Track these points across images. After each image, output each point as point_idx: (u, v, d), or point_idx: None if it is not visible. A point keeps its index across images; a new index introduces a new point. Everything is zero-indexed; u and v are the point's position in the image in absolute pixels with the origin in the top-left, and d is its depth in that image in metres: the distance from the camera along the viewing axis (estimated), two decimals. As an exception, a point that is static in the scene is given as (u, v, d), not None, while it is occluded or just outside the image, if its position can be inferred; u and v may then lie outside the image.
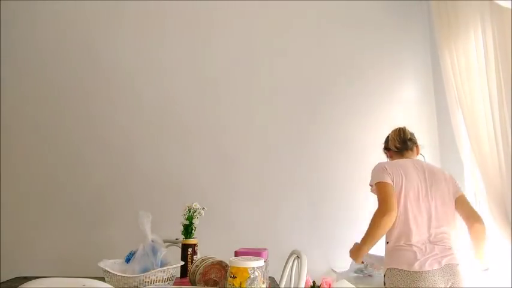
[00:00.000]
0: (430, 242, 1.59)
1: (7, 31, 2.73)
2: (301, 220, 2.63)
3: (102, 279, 1.35)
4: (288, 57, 2.80)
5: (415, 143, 1.88)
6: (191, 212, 1.75)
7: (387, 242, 1.69)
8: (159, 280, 1.37)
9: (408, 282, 1.52)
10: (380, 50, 2.82)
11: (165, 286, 1.36)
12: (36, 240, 2.54)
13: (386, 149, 1.96)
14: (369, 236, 1.65)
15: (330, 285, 2.40)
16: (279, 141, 2.71)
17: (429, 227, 1.62)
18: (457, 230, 1.68)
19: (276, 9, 2.83)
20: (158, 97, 2.72)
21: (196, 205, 1.77)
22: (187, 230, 1.73)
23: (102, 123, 2.68)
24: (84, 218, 2.58)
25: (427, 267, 1.52)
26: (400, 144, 1.85)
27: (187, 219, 1.74)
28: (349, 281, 2.26)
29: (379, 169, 1.76)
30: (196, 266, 1.34)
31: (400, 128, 1.89)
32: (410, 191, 1.66)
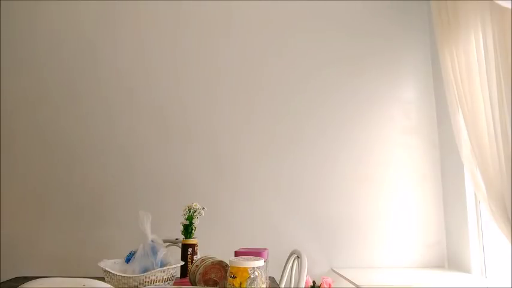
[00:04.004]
0: None
1: (7, 31, 2.74)
2: (301, 220, 2.63)
3: (102, 279, 1.35)
4: (287, 57, 2.80)
5: None
6: (191, 212, 1.75)
7: None
8: (159, 280, 1.37)
9: None
10: (380, 50, 2.82)
11: (165, 286, 1.36)
12: (36, 240, 2.54)
13: None
14: None
15: (330, 285, 2.40)
16: (279, 141, 2.71)
17: None
18: None
19: (275, 10, 2.83)
20: (158, 97, 2.72)
21: (196, 205, 1.77)
22: (187, 230, 1.73)
23: (102, 123, 2.68)
24: (84, 218, 2.58)
25: None
26: None
27: (187, 219, 1.74)
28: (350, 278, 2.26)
29: None
30: (196, 266, 1.34)
31: None
32: None
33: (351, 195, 2.66)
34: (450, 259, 2.57)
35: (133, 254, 1.46)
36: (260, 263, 1.01)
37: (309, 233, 2.61)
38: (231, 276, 0.99)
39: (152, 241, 1.47)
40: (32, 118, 2.67)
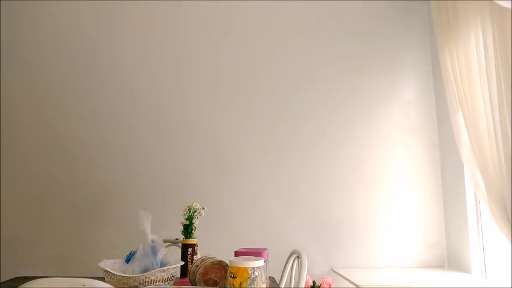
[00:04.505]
0: None
1: (7, 31, 2.74)
2: (301, 220, 2.63)
3: (102, 279, 1.35)
4: (287, 57, 2.79)
5: None
6: (191, 212, 1.75)
7: None
8: (159, 280, 1.37)
9: None
10: (380, 50, 2.82)
11: (165, 286, 1.36)
12: (36, 240, 2.54)
13: None
14: None
15: (330, 285, 2.40)
16: (279, 141, 2.71)
17: None
18: None
19: (275, 10, 2.83)
20: (158, 97, 2.72)
21: (196, 205, 1.77)
22: (187, 230, 1.73)
23: (102, 123, 2.68)
24: (84, 218, 2.58)
25: None
26: None
27: (187, 219, 1.74)
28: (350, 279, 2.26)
29: None
30: (196, 266, 1.34)
31: None
32: None
33: (350, 195, 2.66)
34: (450, 259, 2.57)
35: (133, 254, 1.46)
36: (260, 263, 1.00)
37: (309, 233, 2.61)
38: (231, 276, 0.99)
39: (152, 241, 1.47)
40: (33, 118, 2.67)
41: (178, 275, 1.64)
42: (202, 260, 1.36)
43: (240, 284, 0.98)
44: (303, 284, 1.51)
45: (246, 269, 0.99)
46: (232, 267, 1.00)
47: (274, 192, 2.65)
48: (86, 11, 2.78)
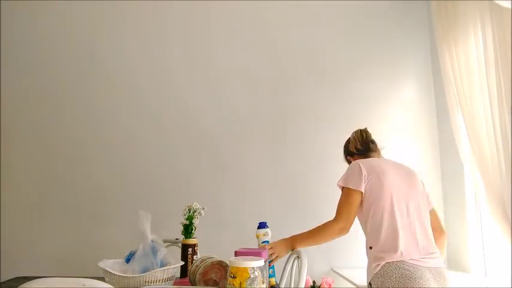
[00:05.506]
0: (418, 246, 1.48)
1: (7, 31, 2.73)
2: (301, 220, 2.62)
3: (102, 279, 1.35)
4: (287, 56, 2.80)
5: (376, 144, 1.84)
6: (191, 212, 1.75)
7: (370, 247, 1.53)
8: (159, 280, 1.37)
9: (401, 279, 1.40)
10: (380, 50, 2.82)
11: (165, 286, 1.36)
12: (36, 240, 2.54)
13: (349, 154, 1.87)
14: (312, 238, 1.66)
15: (330, 285, 2.40)
16: (279, 141, 2.71)
17: (414, 227, 1.50)
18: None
19: (277, 11, 2.83)
20: (159, 97, 2.72)
21: (196, 205, 1.77)
22: (187, 230, 1.73)
23: (103, 123, 2.68)
24: (84, 217, 2.58)
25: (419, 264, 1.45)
26: (361, 145, 1.80)
27: (187, 219, 1.74)
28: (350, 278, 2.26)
29: (353, 171, 1.64)
30: (196, 266, 1.34)
31: (361, 130, 1.86)
32: (392, 188, 1.55)
33: (350, 195, 2.65)
34: (450, 259, 2.57)
35: (133, 254, 1.46)
36: (260, 263, 1.00)
37: (309, 233, 2.60)
38: (231, 276, 0.99)
39: (152, 241, 1.47)
40: (32, 118, 2.67)
41: (178, 275, 1.64)
42: (202, 260, 1.36)
43: (240, 284, 0.97)
44: (303, 284, 1.51)
45: (246, 269, 0.98)
46: (232, 267, 1.00)
47: (274, 192, 2.65)
48: (86, 11, 2.78)
